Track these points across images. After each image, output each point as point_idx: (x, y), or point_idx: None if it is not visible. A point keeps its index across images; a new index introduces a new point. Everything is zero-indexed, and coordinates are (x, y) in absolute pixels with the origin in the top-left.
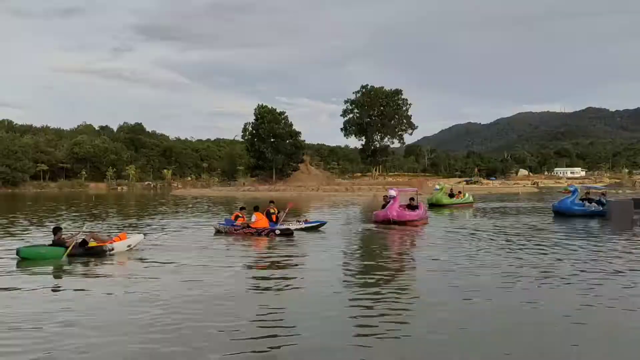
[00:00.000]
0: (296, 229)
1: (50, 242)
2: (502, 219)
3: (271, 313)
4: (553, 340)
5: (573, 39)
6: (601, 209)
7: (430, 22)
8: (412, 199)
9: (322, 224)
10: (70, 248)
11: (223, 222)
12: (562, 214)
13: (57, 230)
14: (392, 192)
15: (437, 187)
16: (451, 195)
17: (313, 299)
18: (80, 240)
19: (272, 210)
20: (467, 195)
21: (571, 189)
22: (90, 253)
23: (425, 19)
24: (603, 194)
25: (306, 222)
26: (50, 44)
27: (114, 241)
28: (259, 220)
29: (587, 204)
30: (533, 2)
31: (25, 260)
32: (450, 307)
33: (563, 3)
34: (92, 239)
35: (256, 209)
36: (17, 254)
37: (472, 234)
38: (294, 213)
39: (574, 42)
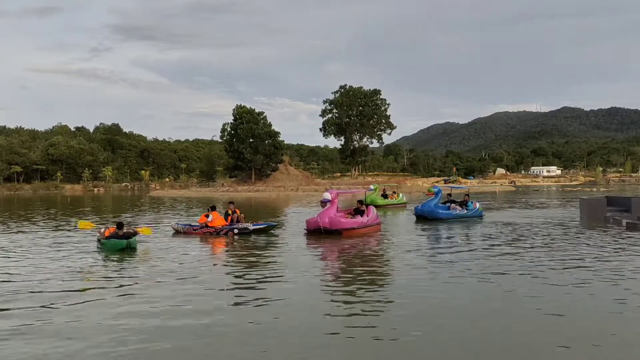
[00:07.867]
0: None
1: (108, 236)
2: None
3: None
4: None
5: (548, 40)
6: (465, 211)
7: (409, 23)
8: (360, 201)
9: (272, 226)
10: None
11: (182, 223)
12: (424, 218)
13: (121, 225)
14: (327, 195)
15: (372, 187)
16: (385, 196)
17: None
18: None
19: (229, 212)
20: (400, 196)
21: (435, 190)
22: None
23: (404, 20)
24: (467, 195)
25: (253, 223)
26: (26, 43)
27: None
28: (215, 219)
29: (452, 206)
30: (509, 4)
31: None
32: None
33: (539, 5)
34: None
35: (213, 208)
36: (125, 246)
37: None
38: (262, 215)
39: (550, 43)
